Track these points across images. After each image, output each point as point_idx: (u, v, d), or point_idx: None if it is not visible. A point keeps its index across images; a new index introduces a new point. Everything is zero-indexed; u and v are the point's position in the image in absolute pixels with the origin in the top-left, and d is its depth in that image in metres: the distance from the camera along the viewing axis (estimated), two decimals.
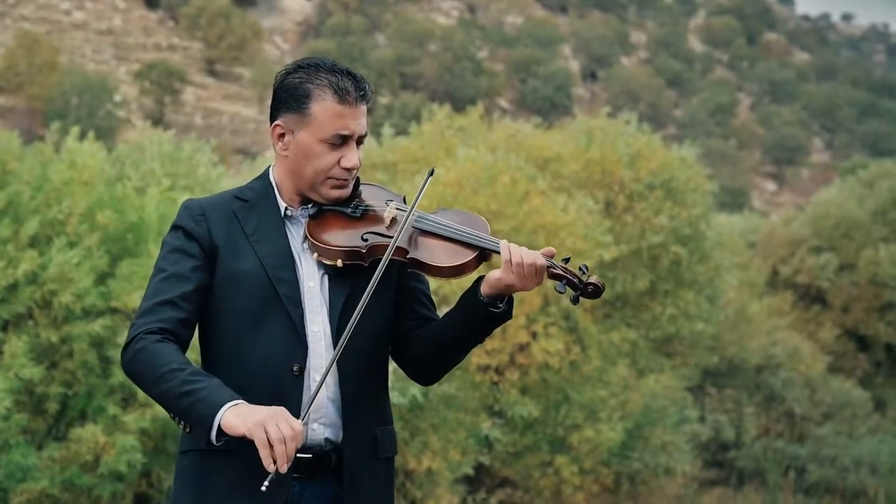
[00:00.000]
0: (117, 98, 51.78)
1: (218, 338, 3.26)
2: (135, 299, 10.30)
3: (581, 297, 3.26)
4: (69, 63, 54.14)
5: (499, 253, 3.24)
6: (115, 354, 10.41)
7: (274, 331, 3.19)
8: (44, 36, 55.90)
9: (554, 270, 3.27)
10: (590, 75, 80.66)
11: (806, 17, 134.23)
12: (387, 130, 18.39)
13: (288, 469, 3.06)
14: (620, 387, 15.61)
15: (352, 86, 3.24)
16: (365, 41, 68.40)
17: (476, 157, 15.26)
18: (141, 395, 10.30)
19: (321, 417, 3.21)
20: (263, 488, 2.96)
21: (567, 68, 75.12)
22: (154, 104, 54.75)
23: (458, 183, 14.76)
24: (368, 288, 3.13)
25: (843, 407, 21.74)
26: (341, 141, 3.25)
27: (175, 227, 3.27)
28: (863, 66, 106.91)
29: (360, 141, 3.30)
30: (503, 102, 67.63)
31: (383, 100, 62.85)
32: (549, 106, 67.13)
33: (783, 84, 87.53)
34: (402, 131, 21.14)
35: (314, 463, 3.21)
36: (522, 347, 14.48)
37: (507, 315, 3.31)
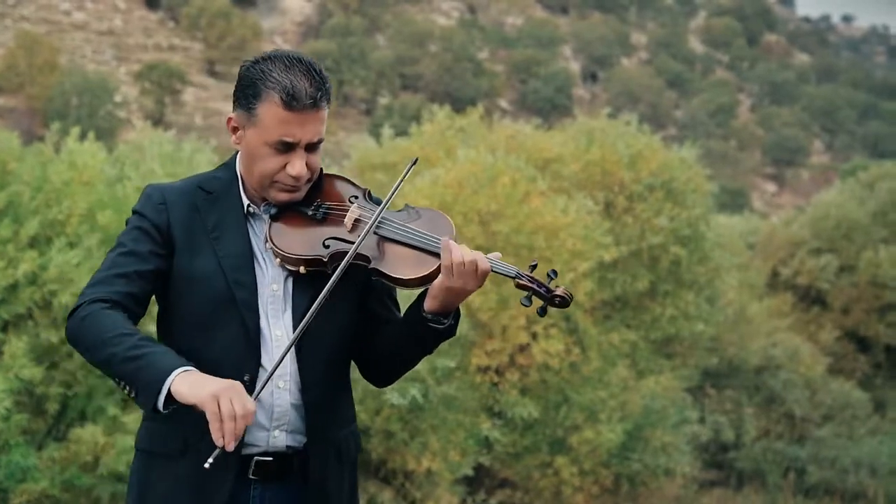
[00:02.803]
0: (117, 98, 51.80)
1: (171, 339, 3.14)
2: None
3: (549, 307, 3.10)
4: (69, 63, 54.15)
5: None
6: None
7: (226, 337, 3.08)
8: (44, 36, 55.93)
9: (520, 281, 3.09)
10: (590, 76, 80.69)
11: (806, 19, 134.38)
12: (387, 131, 18.42)
13: (239, 463, 3.05)
14: (620, 388, 15.62)
15: (304, 90, 3.04)
16: (365, 42, 68.41)
17: (476, 158, 15.26)
18: None
19: (284, 424, 3.11)
20: (207, 465, 2.85)
21: (567, 69, 75.15)
22: (154, 104, 54.77)
23: (458, 184, 14.76)
24: (318, 299, 3.00)
25: (842, 408, 21.75)
26: (286, 147, 3.09)
27: (137, 213, 3.15)
28: (863, 68, 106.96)
29: (312, 147, 3.13)
30: (503, 103, 67.65)
31: (383, 100, 62.88)
32: (549, 107, 67.17)
33: (783, 85, 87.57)
34: (402, 132, 21.17)
35: (275, 467, 3.12)
36: (522, 348, 14.48)
37: (451, 331, 3.16)
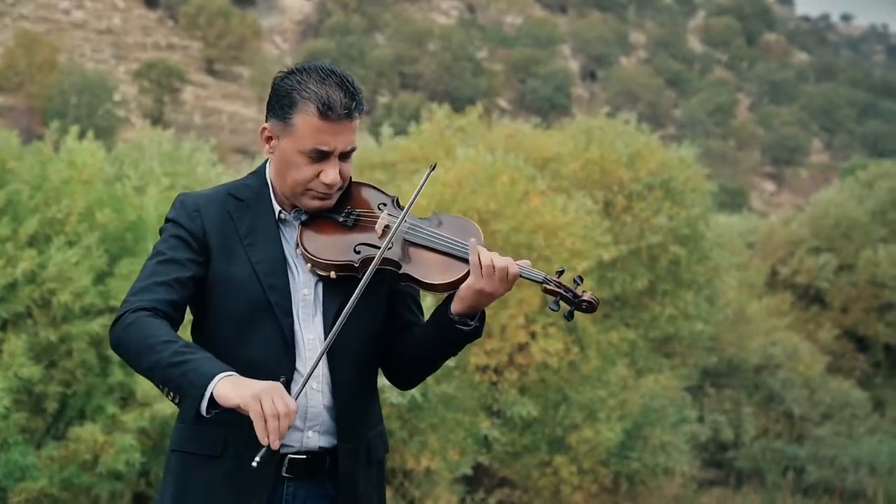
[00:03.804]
0: (116, 97, 51.75)
1: (207, 341, 3.21)
2: None
3: (575, 312, 3.24)
4: (68, 62, 54.11)
5: None
6: (114, 353, 10.40)
7: (263, 339, 3.17)
8: (43, 35, 55.90)
9: (548, 286, 3.20)
10: (589, 75, 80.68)
11: (805, 18, 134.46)
12: (386, 130, 18.41)
13: (283, 469, 3.14)
14: (619, 387, 15.62)
15: (339, 101, 3.15)
16: (364, 41, 68.43)
17: (475, 157, 15.26)
18: (140, 394, 10.30)
19: (317, 426, 3.20)
20: (255, 463, 2.91)
21: (566, 68, 75.14)
22: (153, 103, 54.74)
23: (457, 183, 14.76)
24: (350, 302, 3.07)
25: (841, 407, 21.75)
26: (320, 156, 3.18)
27: (172, 221, 3.24)
28: (862, 67, 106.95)
29: (345, 156, 3.23)
30: (502, 102, 67.64)
31: (382, 99, 62.86)
32: (548, 106, 67.15)
33: (782, 84, 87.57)
34: (401, 131, 21.15)
35: (308, 464, 3.20)
36: (521, 347, 14.48)
37: (477, 332, 3.26)
